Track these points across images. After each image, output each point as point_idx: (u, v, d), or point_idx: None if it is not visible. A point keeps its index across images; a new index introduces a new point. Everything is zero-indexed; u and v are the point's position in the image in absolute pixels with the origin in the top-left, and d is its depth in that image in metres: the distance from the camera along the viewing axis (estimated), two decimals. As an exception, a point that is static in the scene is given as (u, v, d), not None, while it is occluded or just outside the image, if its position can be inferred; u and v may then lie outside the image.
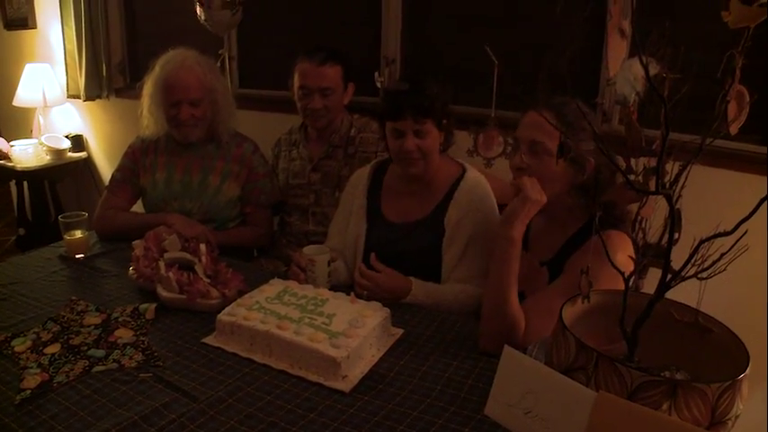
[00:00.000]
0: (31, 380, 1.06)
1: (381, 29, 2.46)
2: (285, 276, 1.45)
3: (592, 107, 1.98)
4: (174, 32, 2.59)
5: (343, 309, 1.24)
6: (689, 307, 0.85)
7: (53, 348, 1.19)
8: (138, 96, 1.95)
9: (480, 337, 1.21)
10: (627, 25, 0.74)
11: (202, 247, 1.52)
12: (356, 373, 1.11)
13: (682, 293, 0.80)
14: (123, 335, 1.25)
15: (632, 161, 0.84)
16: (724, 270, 0.71)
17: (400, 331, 1.27)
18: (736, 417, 0.73)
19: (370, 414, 1.00)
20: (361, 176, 1.71)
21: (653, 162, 0.75)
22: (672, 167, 0.75)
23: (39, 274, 1.57)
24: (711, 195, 1.63)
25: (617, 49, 0.75)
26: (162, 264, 1.44)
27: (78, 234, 1.68)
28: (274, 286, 1.35)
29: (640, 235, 1.44)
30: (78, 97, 3.42)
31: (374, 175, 1.69)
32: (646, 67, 0.70)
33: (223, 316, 1.23)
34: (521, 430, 0.78)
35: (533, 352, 1.04)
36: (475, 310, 1.42)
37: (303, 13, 2.73)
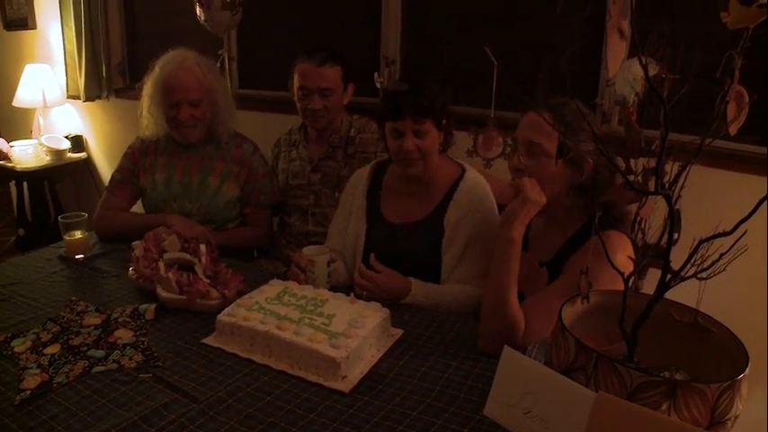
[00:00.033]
0: (31, 380, 1.06)
1: (381, 29, 2.46)
2: (285, 277, 1.45)
3: (591, 108, 1.98)
4: (173, 33, 2.59)
5: (342, 309, 1.24)
6: (688, 307, 0.85)
7: (53, 349, 1.19)
8: (137, 97, 1.95)
9: (480, 338, 1.21)
10: (626, 25, 0.74)
11: (202, 247, 1.52)
12: (356, 373, 1.11)
13: (681, 294, 0.80)
14: (123, 335, 1.25)
15: (632, 162, 0.84)
16: (723, 270, 0.71)
17: (400, 332, 1.27)
18: (736, 417, 0.73)
19: (370, 414, 1.00)
20: (360, 177, 1.71)
21: (652, 162, 0.75)
22: (671, 168, 0.76)
23: (38, 275, 1.57)
24: (711, 196, 1.63)
25: (616, 49, 0.75)
26: (162, 264, 1.44)
27: (78, 234, 1.68)
28: (274, 287, 1.35)
29: (640, 235, 1.43)
30: (78, 98, 3.42)
31: (374, 175, 1.69)
32: (645, 68, 0.71)
33: (223, 316, 1.23)
34: (520, 431, 0.78)
35: (533, 352, 1.04)
36: (474, 311, 1.42)
37: (303, 14, 2.73)
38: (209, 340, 1.23)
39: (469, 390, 1.06)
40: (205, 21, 2.42)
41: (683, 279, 0.74)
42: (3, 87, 3.78)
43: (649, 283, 1.62)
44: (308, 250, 1.47)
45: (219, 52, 2.61)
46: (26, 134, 3.61)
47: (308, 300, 1.29)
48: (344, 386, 1.07)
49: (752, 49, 0.69)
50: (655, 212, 0.81)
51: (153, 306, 1.35)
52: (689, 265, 0.72)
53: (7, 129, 3.82)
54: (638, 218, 1.37)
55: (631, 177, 0.79)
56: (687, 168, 0.75)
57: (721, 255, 0.70)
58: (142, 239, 1.55)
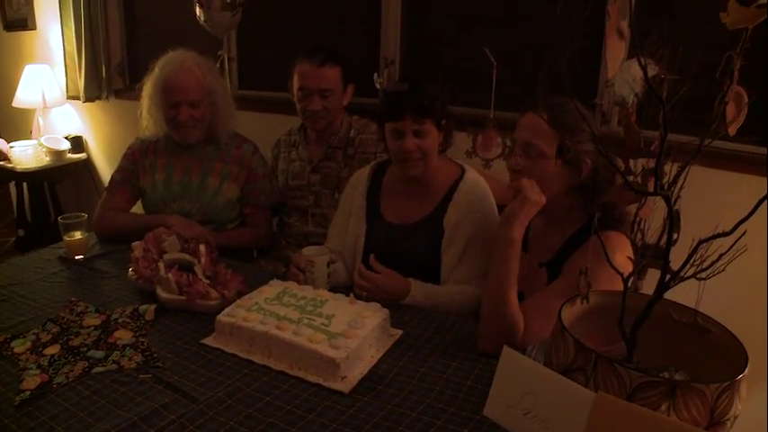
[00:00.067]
0: (31, 381, 1.06)
1: (381, 29, 2.46)
2: (284, 277, 1.45)
3: (591, 108, 1.98)
4: (173, 34, 2.58)
5: (342, 310, 1.24)
6: (688, 307, 0.85)
7: (53, 349, 1.19)
8: (137, 97, 1.95)
9: (479, 338, 1.21)
10: (625, 26, 0.74)
11: (202, 248, 1.52)
12: (355, 373, 1.11)
13: (681, 294, 0.80)
14: (123, 336, 1.25)
15: (631, 162, 0.84)
16: (723, 271, 0.71)
17: (399, 332, 1.27)
18: (735, 417, 0.73)
19: (370, 415, 1.00)
20: (360, 178, 1.71)
21: (651, 163, 0.75)
22: (670, 168, 0.76)
23: (38, 276, 1.57)
24: (710, 196, 1.63)
25: (615, 49, 0.76)
26: (161, 265, 1.44)
27: (78, 235, 1.68)
28: (274, 287, 1.36)
29: (639, 236, 1.43)
30: (78, 98, 3.42)
31: (373, 176, 1.69)
32: (644, 68, 0.71)
33: (222, 317, 1.23)
34: (520, 431, 0.78)
35: (532, 353, 1.04)
36: (474, 311, 1.42)
37: (303, 14, 2.73)
38: (208, 341, 1.23)
39: (469, 390, 1.06)
40: (205, 21, 2.42)
41: (683, 279, 0.74)
42: (2, 88, 3.78)
43: (649, 284, 1.62)
44: (307, 251, 1.47)
45: (219, 53, 2.61)
46: (26, 135, 3.61)
47: (308, 300, 1.29)
48: (344, 386, 1.07)
49: (751, 50, 0.69)
50: (654, 213, 0.81)
51: (153, 307, 1.35)
52: (688, 266, 0.73)
53: (7, 129, 3.82)
54: (638, 218, 1.37)
55: (631, 178, 0.79)
56: (686, 169, 0.75)
57: (721, 255, 0.70)
58: (142, 240, 1.55)
